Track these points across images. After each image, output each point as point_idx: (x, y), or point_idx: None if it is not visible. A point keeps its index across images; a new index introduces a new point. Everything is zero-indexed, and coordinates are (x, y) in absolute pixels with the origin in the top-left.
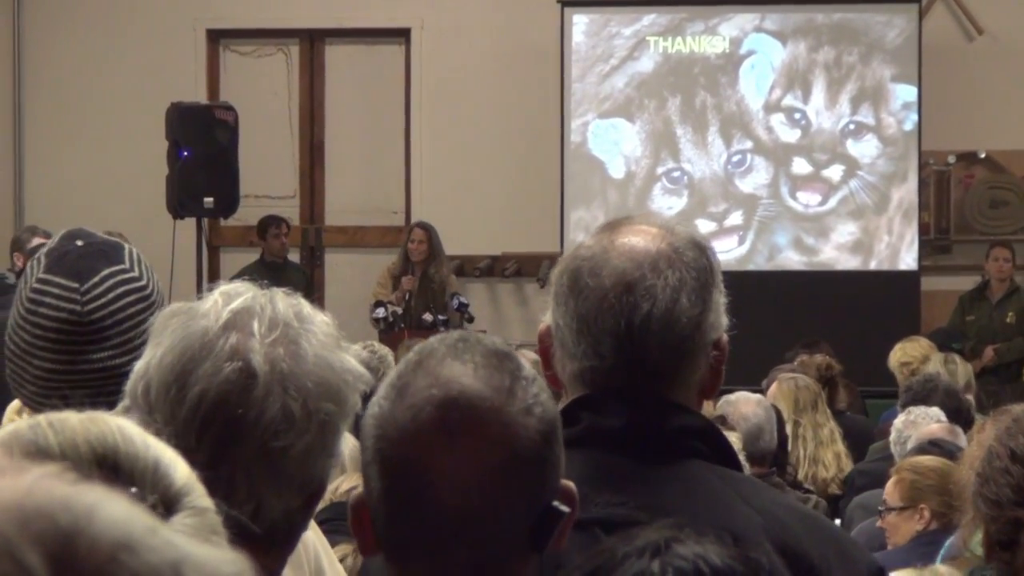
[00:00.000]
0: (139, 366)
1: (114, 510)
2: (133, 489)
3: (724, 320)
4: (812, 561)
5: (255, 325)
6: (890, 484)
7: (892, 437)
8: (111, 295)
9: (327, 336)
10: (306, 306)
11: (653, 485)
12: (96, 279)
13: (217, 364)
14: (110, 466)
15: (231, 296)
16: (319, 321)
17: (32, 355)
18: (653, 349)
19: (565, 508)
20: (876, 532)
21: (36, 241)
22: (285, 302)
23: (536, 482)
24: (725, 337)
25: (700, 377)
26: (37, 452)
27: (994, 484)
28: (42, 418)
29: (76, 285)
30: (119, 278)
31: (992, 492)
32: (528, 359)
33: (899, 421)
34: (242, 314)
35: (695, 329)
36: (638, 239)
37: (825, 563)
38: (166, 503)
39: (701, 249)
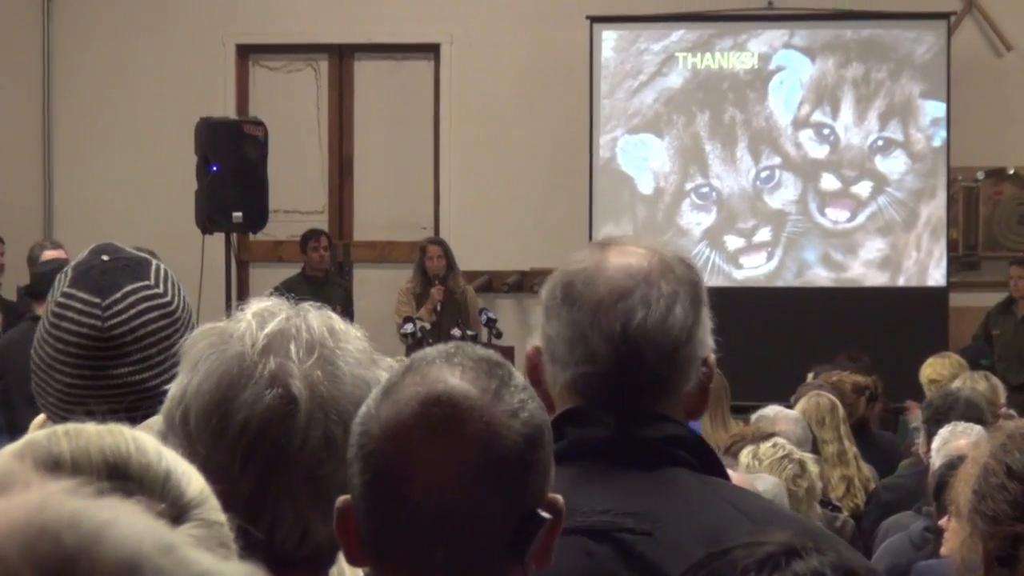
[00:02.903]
0: (174, 392)
1: (126, 529)
2: (139, 498)
3: (711, 340)
4: None
5: (292, 348)
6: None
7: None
8: (132, 311)
9: (361, 352)
10: (337, 321)
11: (638, 493)
12: (118, 295)
13: (257, 391)
14: (120, 475)
15: (264, 318)
16: (352, 337)
17: (54, 369)
18: (648, 355)
19: (547, 515)
20: (903, 548)
21: (46, 255)
22: (318, 319)
23: (516, 485)
24: (713, 356)
25: (689, 392)
26: (50, 459)
27: (991, 500)
28: (60, 427)
29: (98, 300)
30: (142, 294)
31: (990, 508)
32: None
33: (941, 437)
34: (278, 337)
35: (688, 339)
36: (630, 257)
37: None
38: (174, 514)
39: (690, 266)
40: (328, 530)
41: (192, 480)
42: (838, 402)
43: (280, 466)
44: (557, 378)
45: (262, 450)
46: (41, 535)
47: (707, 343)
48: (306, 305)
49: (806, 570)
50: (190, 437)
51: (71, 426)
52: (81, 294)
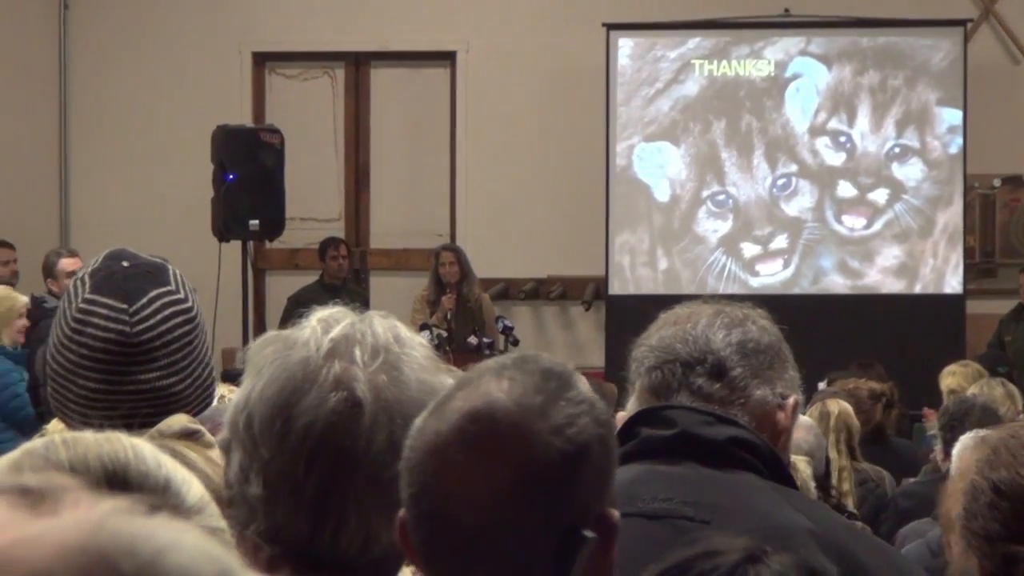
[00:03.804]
0: (238, 398)
1: (184, 555)
2: None
3: (798, 393)
4: (861, 562)
5: (357, 353)
6: None
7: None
8: (159, 316)
9: (426, 359)
10: (403, 328)
11: (701, 486)
12: (144, 300)
13: (322, 394)
14: (119, 483)
15: (329, 323)
16: (417, 344)
17: (77, 375)
18: (718, 345)
19: (591, 534)
20: (921, 555)
21: (63, 263)
22: (383, 325)
23: (555, 502)
24: (794, 401)
25: (767, 413)
26: (47, 468)
27: (982, 519)
28: (58, 436)
29: (124, 306)
30: (166, 299)
31: (981, 528)
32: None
33: (962, 443)
34: (343, 342)
35: (768, 350)
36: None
37: (875, 569)
38: None
39: (774, 324)
40: (392, 537)
41: (192, 487)
42: (834, 411)
43: (344, 469)
44: (636, 385)
45: (326, 452)
46: (99, 563)
47: (793, 384)
48: (371, 312)
49: (771, 574)
50: (254, 441)
51: (69, 435)
52: (106, 300)
